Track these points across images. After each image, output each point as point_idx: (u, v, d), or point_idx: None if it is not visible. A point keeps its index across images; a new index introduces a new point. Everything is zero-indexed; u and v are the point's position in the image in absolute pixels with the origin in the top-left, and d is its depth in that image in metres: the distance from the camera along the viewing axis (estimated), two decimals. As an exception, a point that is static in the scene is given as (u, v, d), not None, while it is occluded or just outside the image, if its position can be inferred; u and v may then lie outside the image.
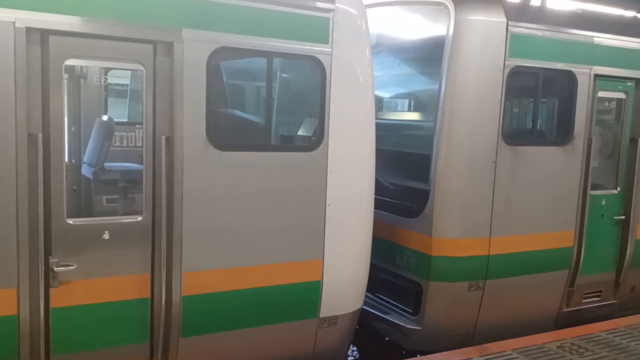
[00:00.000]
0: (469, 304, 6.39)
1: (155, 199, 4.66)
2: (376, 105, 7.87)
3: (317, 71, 5.18)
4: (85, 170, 6.63)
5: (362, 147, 5.54)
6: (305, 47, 5.10)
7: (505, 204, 6.36)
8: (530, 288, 6.73)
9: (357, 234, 5.62)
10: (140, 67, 4.54)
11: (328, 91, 5.22)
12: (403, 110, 7.67)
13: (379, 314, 6.74)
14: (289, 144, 5.49)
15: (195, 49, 4.65)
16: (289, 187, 5.15)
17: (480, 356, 5.72)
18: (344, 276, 5.56)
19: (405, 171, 6.77)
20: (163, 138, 4.61)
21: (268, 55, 4.99)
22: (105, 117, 6.86)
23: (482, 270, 6.33)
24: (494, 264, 6.37)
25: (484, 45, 6.08)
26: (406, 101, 7.56)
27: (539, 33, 6.32)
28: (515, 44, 6.16)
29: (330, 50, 5.19)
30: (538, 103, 6.57)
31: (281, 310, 5.28)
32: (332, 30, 5.19)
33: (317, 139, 5.25)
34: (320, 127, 5.25)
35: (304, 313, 5.40)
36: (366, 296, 7.10)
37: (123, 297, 4.65)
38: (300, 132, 5.49)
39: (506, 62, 6.14)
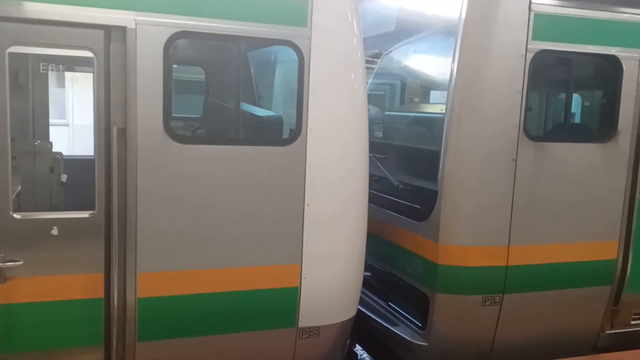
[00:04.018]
0: (483, 319, 5.66)
1: (108, 194, 4.40)
2: (392, 97, 7.30)
3: (294, 57, 4.71)
4: None
5: (350, 143, 5.00)
6: (279, 30, 4.63)
7: (529, 209, 5.57)
8: (560, 305, 5.88)
9: (344, 238, 5.09)
10: (90, 54, 4.29)
11: (306, 79, 4.73)
12: (418, 102, 6.99)
13: (387, 326, 6.15)
14: (260, 137, 5.04)
15: (150, 34, 4.32)
16: (259, 185, 4.71)
17: None
18: (327, 284, 5.05)
19: (415, 169, 6.13)
20: (115, 129, 4.34)
21: (235, 40, 4.57)
22: None
23: (498, 282, 5.58)
24: (514, 276, 5.60)
25: (501, 27, 5.31)
26: (422, 92, 6.88)
27: (572, 11, 5.46)
28: (540, 25, 5.35)
29: (309, 34, 4.70)
30: (571, 93, 5.68)
31: (252, 317, 4.87)
32: (311, 12, 4.69)
33: (293, 132, 4.77)
34: (297, 119, 4.77)
35: (280, 322, 4.95)
36: (380, 305, 6.58)
37: (73, 297, 4.43)
38: (273, 125, 5.04)
39: (529, 46, 5.35)
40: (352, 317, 5.33)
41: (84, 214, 4.41)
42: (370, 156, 6.72)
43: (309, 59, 4.71)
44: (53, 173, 5.53)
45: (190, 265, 4.62)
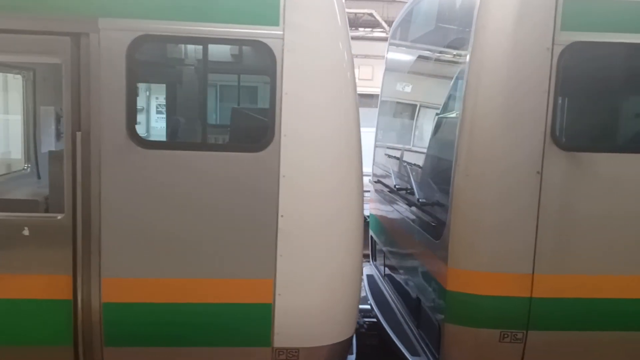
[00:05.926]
0: (502, 358, 4.85)
1: (75, 198, 4.47)
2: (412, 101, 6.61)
3: (265, 58, 4.42)
4: None
5: (334, 151, 4.58)
6: (248, 30, 4.38)
7: (561, 231, 4.68)
8: (611, 350, 4.86)
9: (328, 254, 4.66)
10: (57, 61, 4.39)
11: (279, 82, 4.42)
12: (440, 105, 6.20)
13: (407, 354, 5.54)
14: (227, 142, 4.78)
15: (112, 38, 4.33)
16: (228, 193, 4.48)
17: None
18: (307, 302, 4.66)
19: (438, 181, 5.45)
20: (79, 134, 4.40)
21: (201, 41, 4.42)
22: None
23: (520, 316, 4.75)
24: (540, 309, 4.73)
25: (521, 17, 4.54)
26: (444, 94, 6.09)
27: (615, -6, 4.51)
28: (571, 12, 4.49)
29: (281, 33, 4.39)
30: (613, 93, 4.68)
31: (223, 332, 4.64)
32: (284, 10, 4.38)
33: (265, 138, 4.47)
34: (269, 124, 4.47)
35: (252, 340, 4.66)
36: (411, 332, 6.01)
37: (43, 296, 4.55)
38: (242, 130, 4.76)
39: (556, 38, 4.51)
40: (344, 341, 4.87)
41: (55, 216, 4.53)
42: (405, 165, 6.22)
43: (282, 60, 4.40)
44: None
45: (155, 274, 4.53)
